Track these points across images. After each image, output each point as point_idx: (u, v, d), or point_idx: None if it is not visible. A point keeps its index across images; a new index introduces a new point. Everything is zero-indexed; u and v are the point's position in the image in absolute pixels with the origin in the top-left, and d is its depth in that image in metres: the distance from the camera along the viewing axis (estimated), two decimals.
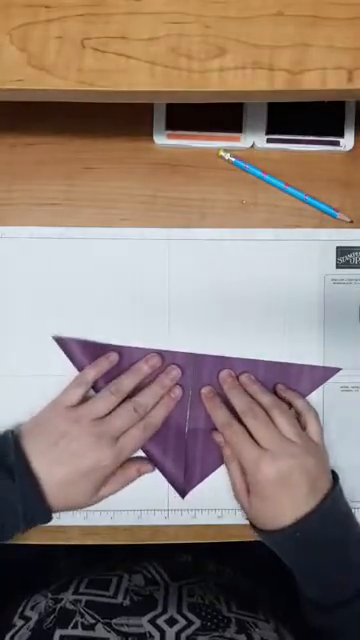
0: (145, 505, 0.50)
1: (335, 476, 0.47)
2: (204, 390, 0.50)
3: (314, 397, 0.51)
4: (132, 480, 0.49)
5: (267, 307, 0.51)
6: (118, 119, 0.50)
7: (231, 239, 0.51)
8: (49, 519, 0.45)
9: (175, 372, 0.49)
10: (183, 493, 0.50)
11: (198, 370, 0.50)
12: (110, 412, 0.46)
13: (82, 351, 0.49)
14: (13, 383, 0.50)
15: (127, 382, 0.47)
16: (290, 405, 0.49)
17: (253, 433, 0.45)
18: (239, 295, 0.51)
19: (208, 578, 0.50)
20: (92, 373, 0.48)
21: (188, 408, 0.49)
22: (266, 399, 0.47)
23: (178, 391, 0.49)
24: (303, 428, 0.47)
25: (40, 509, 0.43)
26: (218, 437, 0.48)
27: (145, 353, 0.50)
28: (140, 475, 0.49)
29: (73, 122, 0.50)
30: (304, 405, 0.48)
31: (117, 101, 0.37)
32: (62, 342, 0.50)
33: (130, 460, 0.49)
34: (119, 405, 0.46)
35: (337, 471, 0.50)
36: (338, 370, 0.51)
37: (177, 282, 0.51)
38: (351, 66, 0.33)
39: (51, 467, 0.43)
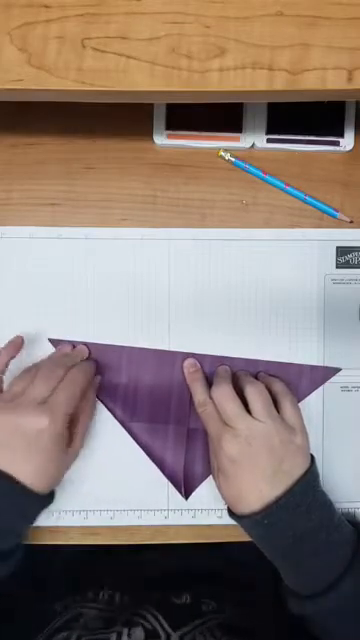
0: (145, 505, 0.50)
1: (312, 461, 0.45)
2: (186, 362, 0.50)
3: (314, 397, 0.51)
4: (94, 401, 0.49)
5: (267, 307, 0.51)
6: (118, 119, 0.50)
7: (231, 239, 0.51)
8: (46, 500, 0.44)
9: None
10: (186, 494, 0.50)
11: None
12: None
13: None
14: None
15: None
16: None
17: (219, 409, 0.44)
18: (239, 295, 0.51)
19: (209, 619, 0.49)
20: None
21: (190, 408, 0.49)
22: (243, 379, 0.47)
23: (81, 346, 0.49)
24: (279, 411, 0.46)
25: (24, 493, 0.42)
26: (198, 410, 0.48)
27: (143, 352, 0.50)
28: (95, 388, 0.49)
29: (73, 122, 0.50)
30: (281, 388, 0.47)
31: (117, 101, 0.37)
32: (57, 344, 0.50)
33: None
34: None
35: (336, 471, 0.50)
36: (338, 370, 0.51)
37: (177, 282, 0.51)
38: (351, 66, 0.33)
39: (8, 460, 0.42)
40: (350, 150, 0.50)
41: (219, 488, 0.45)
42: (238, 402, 0.44)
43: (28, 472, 0.42)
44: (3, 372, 0.47)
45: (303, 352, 0.51)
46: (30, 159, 0.50)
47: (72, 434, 0.46)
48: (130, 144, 0.50)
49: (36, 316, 0.50)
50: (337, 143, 0.50)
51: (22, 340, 0.49)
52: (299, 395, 0.50)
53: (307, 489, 0.43)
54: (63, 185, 0.50)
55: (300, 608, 0.44)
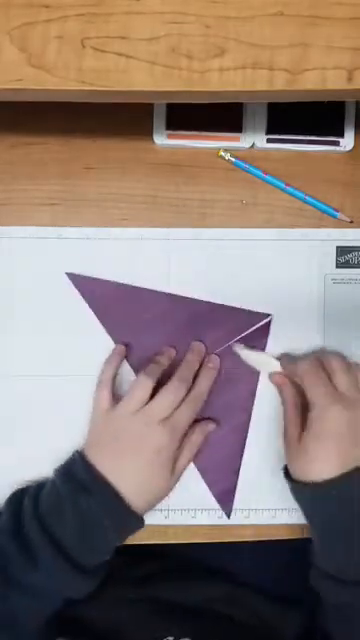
0: None
1: None
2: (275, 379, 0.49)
3: None
4: (200, 443, 0.48)
5: (267, 307, 0.51)
6: (118, 119, 0.50)
7: (231, 239, 0.51)
8: (141, 522, 0.44)
9: (199, 346, 0.50)
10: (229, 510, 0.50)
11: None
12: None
13: (95, 289, 0.50)
14: (12, 383, 0.50)
15: (156, 370, 0.47)
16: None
17: (333, 375, 0.44)
18: (239, 295, 0.51)
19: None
20: (109, 372, 0.48)
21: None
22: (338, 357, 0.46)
23: (215, 360, 0.50)
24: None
25: (125, 513, 0.43)
26: (274, 379, 0.48)
27: (155, 296, 0.50)
28: (205, 434, 0.49)
29: (73, 122, 0.50)
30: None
31: (117, 101, 0.37)
32: (76, 279, 0.50)
33: (192, 425, 0.48)
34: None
35: None
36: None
37: (177, 282, 0.51)
38: (351, 66, 0.33)
39: (119, 470, 0.43)
40: (350, 150, 0.51)
41: (296, 448, 0.44)
42: (353, 374, 0.44)
43: (133, 488, 0.43)
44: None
45: (303, 352, 0.51)
46: (30, 159, 0.50)
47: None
48: (130, 144, 0.50)
49: (36, 317, 0.50)
50: (337, 143, 0.50)
51: (124, 349, 0.49)
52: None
53: None
54: (63, 185, 0.50)
55: (336, 593, 0.43)
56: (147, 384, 0.45)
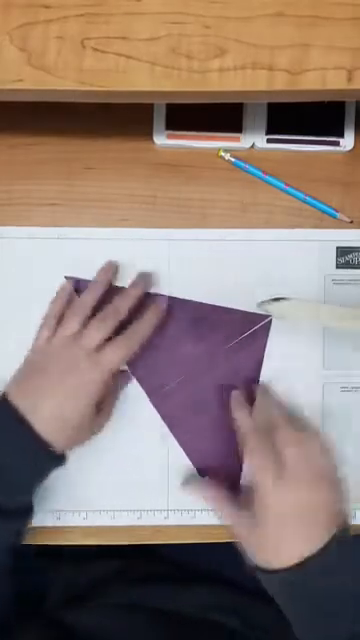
0: (145, 505, 0.50)
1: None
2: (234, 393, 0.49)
3: (314, 397, 0.51)
4: (116, 395, 0.47)
5: None
6: (118, 119, 0.50)
7: (231, 239, 0.51)
8: (60, 460, 0.43)
9: (137, 286, 0.48)
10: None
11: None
12: None
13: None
14: None
15: (89, 298, 0.46)
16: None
17: (279, 447, 0.41)
18: (239, 295, 0.51)
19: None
20: (53, 310, 0.47)
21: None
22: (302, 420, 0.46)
23: (163, 301, 0.48)
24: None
25: (41, 450, 0.41)
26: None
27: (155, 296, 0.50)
28: (121, 387, 0.48)
29: (73, 122, 0.50)
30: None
31: (117, 101, 0.37)
32: (75, 281, 0.49)
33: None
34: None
35: None
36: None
37: (177, 283, 0.50)
38: (351, 66, 0.33)
39: (35, 400, 0.41)
40: (350, 150, 0.51)
41: (248, 537, 0.42)
42: (304, 444, 0.42)
43: (51, 423, 0.41)
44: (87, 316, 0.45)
45: (303, 352, 0.51)
46: (30, 159, 0.50)
47: (102, 402, 0.45)
48: (130, 144, 0.50)
49: (36, 316, 0.50)
50: (337, 143, 0.50)
51: (71, 286, 0.47)
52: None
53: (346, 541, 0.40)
54: (63, 185, 0.50)
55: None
56: (75, 317, 0.44)
